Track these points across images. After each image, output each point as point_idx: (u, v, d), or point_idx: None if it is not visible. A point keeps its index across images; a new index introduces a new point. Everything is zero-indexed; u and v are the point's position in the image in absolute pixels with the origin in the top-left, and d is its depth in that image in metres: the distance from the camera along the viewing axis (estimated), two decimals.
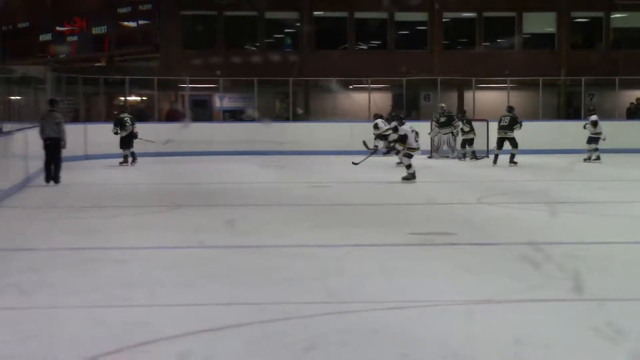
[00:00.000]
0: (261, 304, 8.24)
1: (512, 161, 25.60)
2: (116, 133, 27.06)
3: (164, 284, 9.20)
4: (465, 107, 33.87)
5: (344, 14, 40.20)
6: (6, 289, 8.95)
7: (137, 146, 27.48)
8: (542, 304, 8.20)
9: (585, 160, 27.49)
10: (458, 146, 29.19)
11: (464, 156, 28.50)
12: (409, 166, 20.68)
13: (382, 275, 9.73)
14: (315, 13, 40.00)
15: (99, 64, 18.98)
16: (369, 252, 11.40)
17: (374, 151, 24.96)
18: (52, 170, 20.13)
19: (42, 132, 20.15)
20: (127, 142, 27.04)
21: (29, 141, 20.48)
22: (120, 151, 27.01)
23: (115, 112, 32.19)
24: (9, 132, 19.43)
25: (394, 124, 22.04)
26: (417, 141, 21.66)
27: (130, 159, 26.87)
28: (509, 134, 25.93)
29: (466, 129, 28.44)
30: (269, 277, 9.59)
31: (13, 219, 14.90)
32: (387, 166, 25.68)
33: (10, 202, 16.87)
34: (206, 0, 37.34)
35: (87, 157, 28.70)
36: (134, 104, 37.28)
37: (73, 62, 17.64)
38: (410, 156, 20.80)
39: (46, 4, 15.04)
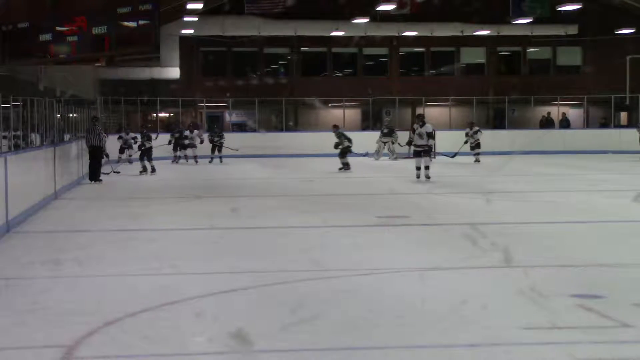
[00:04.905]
0: (261, 272, 8.15)
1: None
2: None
3: (185, 257, 9.10)
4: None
5: (324, 49, 40.07)
6: (67, 261, 8.88)
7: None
8: (478, 271, 8.12)
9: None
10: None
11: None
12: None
13: (354, 248, 9.66)
14: (302, 48, 39.86)
15: (99, 65, 18.21)
16: (343, 231, 11.31)
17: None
18: (94, 171, 19.83)
19: (87, 142, 19.87)
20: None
21: (82, 148, 20.29)
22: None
23: (150, 125, 32.03)
24: (68, 141, 19.29)
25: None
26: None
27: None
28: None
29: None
30: (266, 251, 9.50)
31: (71, 208, 14.73)
32: (358, 165, 25.59)
33: (68, 195, 16.74)
34: (219, 40, 37.13)
35: (129, 160, 28.43)
36: (163, 119, 37.15)
37: (73, 62, 16.72)
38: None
39: (46, 4, 14.57)
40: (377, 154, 29.30)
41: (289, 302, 6.79)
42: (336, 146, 23.43)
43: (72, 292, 7.40)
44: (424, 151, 19.20)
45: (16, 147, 13.89)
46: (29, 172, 13.28)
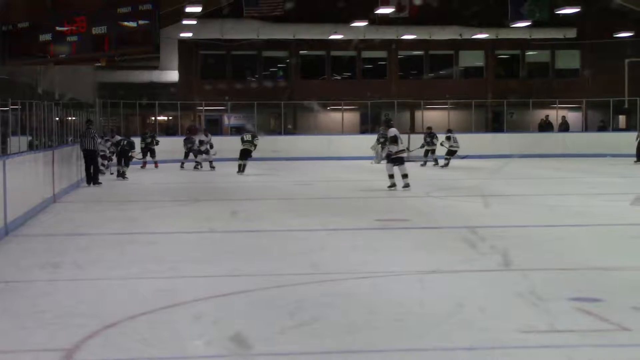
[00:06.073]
0: (259, 275, 8.16)
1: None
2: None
3: (184, 260, 9.10)
4: (421, 124, 33.72)
5: (323, 52, 40.13)
6: (67, 264, 8.90)
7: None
8: (477, 274, 8.12)
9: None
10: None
11: (426, 162, 27.41)
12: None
13: (353, 252, 9.67)
14: (301, 52, 39.90)
15: (99, 65, 18.26)
16: (342, 234, 11.32)
17: None
18: (91, 174, 19.86)
19: (81, 146, 19.89)
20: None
21: (79, 151, 20.28)
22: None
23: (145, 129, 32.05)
24: (67, 145, 19.28)
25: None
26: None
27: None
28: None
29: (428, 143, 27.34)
30: (265, 254, 9.51)
31: (71, 211, 14.73)
32: (357, 168, 25.59)
33: (68, 198, 16.75)
34: (218, 43, 37.18)
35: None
36: (162, 122, 37.12)
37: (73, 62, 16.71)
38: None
39: (46, 4, 14.56)
40: (377, 157, 29.31)
41: (288, 306, 6.79)
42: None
43: (71, 295, 7.40)
44: (396, 158, 17.55)
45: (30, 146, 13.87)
46: (28, 175, 13.29)
